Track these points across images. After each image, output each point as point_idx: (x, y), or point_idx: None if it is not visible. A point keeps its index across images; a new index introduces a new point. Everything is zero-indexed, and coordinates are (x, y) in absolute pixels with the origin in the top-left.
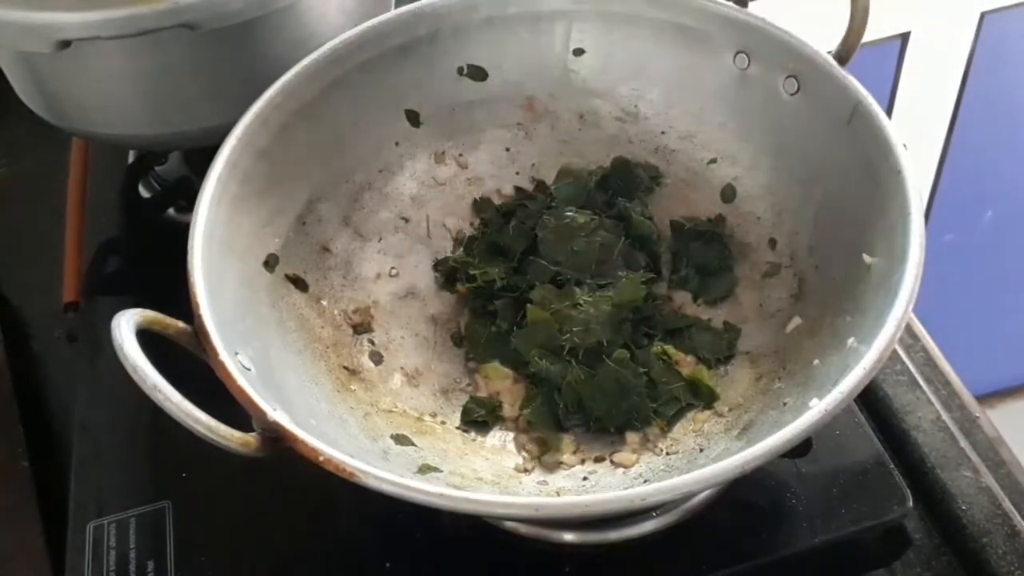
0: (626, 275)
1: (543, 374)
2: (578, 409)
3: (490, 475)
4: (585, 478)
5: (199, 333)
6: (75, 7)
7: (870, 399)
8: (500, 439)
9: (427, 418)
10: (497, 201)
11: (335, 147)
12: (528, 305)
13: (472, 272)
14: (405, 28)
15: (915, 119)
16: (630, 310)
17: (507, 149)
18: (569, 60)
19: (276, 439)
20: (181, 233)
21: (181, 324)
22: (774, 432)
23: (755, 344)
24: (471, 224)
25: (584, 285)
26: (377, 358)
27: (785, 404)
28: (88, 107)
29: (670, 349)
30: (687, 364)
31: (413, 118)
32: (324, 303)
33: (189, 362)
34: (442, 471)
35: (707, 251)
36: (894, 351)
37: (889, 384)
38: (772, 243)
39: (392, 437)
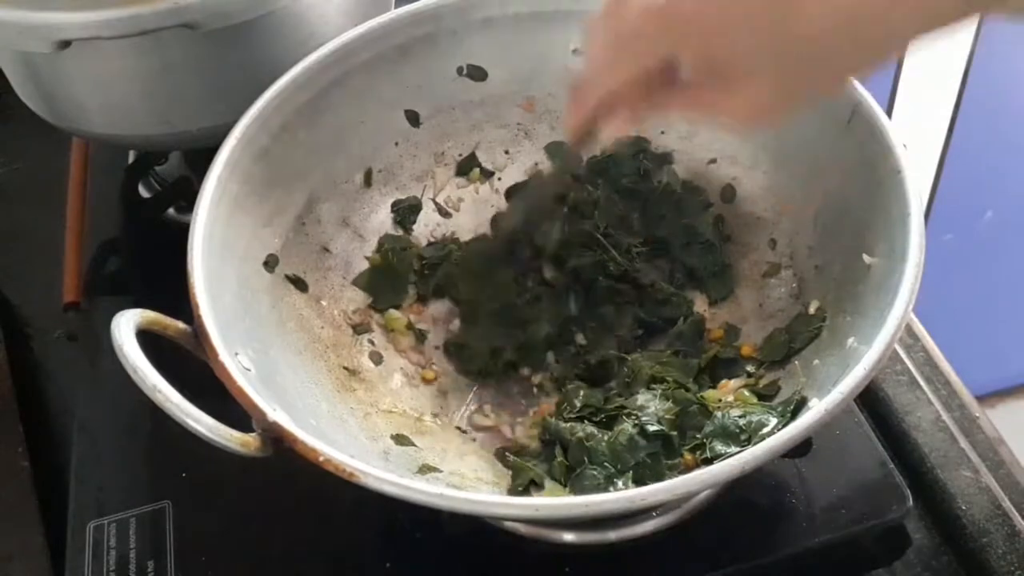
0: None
1: (552, 431)
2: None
3: (491, 475)
4: None
5: (199, 334)
6: (75, 7)
7: (870, 399)
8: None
9: (427, 418)
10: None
11: (335, 147)
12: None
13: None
14: (405, 28)
15: (915, 119)
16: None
17: (506, 151)
18: (569, 60)
19: (276, 439)
20: (181, 233)
21: (181, 324)
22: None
23: (755, 344)
24: None
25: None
26: (377, 358)
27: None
28: (88, 107)
29: (710, 394)
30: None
31: (413, 118)
32: (324, 303)
33: (189, 362)
34: (442, 471)
35: (706, 252)
36: (894, 351)
37: (889, 384)
38: (772, 243)
39: (392, 437)
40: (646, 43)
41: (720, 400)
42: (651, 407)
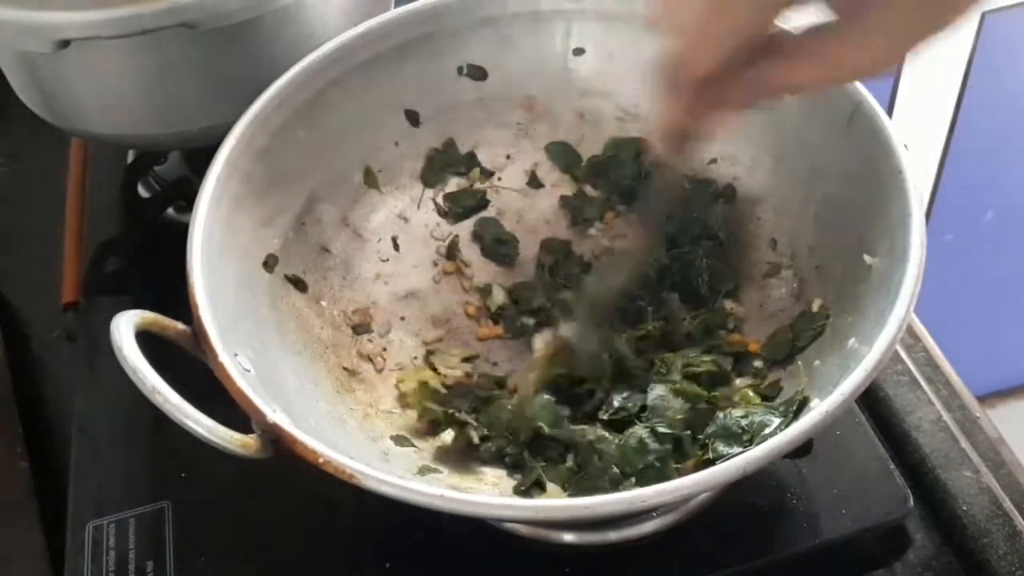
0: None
1: (557, 435)
2: (589, 472)
3: (490, 476)
4: None
5: (199, 335)
6: (75, 7)
7: (871, 399)
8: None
9: None
10: None
11: (334, 147)
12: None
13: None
14: (405, 28)
15: (915, 119)
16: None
17: (507, 154)
18: (569, 59)
19: (276, 440)
20: (181, 233)
21: (181, 325)
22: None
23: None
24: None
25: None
26: (377, 359)
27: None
28: (88, 107)
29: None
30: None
31: (413, 118)
32: (323, 304)
33: (188, 362)
34: (442, 472)
35: (717, 249)
36: (895, 351)
37: (890, 384)
38: (773, 243)
39: (392, 438)
40: None
41: (726, 399)
42: (661, 405)
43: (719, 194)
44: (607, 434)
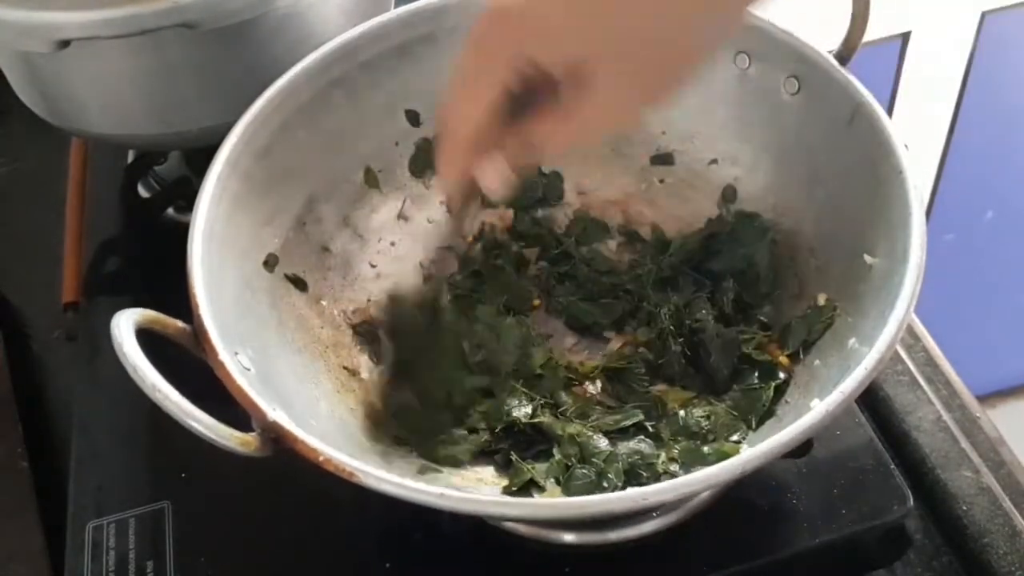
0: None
1: (543, 427)
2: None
3: (490, 476)
4: None
5: (198, 333)
6: (75, 7)
7: (871, 399)
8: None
9: None
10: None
11: (335, 147)
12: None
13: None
14: (405, 28)
15: (915, 119)
16: None
17: None
18: None
19: (276, 439)
20: (180, 233)
21: (180, 324)
22: (775, 432)
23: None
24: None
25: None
26: (377, 358)
27: (787, 403)
28: (88, 107)
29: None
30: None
31: (413, 118)
32: (324, 303)
33: (188, 361)
34: (442, 471)
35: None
36: (895, 351)
37: (890, 384)
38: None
39: (392, 438)
40: (498, 55)
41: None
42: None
43: (767, 229)
44: (584, 428)
